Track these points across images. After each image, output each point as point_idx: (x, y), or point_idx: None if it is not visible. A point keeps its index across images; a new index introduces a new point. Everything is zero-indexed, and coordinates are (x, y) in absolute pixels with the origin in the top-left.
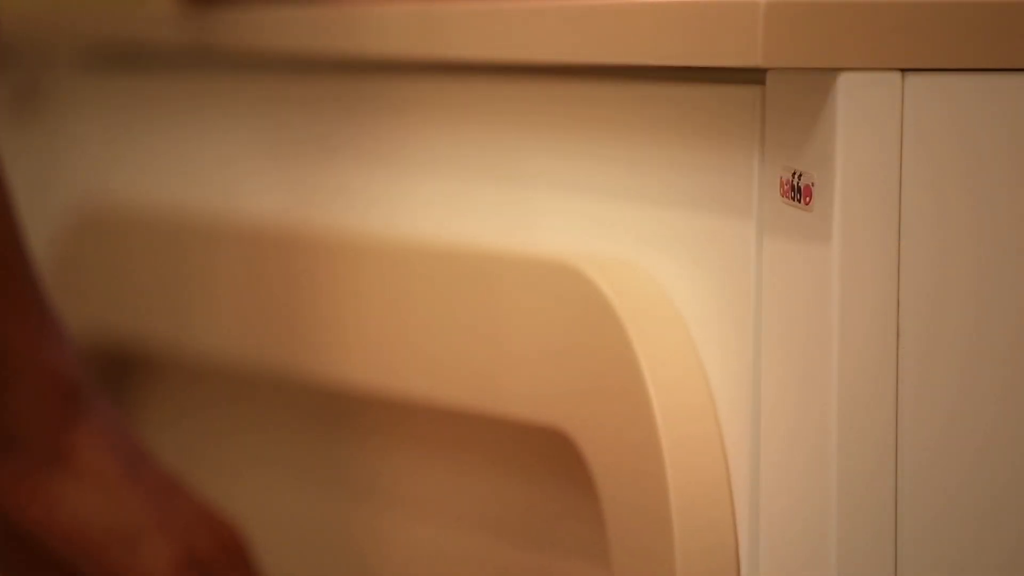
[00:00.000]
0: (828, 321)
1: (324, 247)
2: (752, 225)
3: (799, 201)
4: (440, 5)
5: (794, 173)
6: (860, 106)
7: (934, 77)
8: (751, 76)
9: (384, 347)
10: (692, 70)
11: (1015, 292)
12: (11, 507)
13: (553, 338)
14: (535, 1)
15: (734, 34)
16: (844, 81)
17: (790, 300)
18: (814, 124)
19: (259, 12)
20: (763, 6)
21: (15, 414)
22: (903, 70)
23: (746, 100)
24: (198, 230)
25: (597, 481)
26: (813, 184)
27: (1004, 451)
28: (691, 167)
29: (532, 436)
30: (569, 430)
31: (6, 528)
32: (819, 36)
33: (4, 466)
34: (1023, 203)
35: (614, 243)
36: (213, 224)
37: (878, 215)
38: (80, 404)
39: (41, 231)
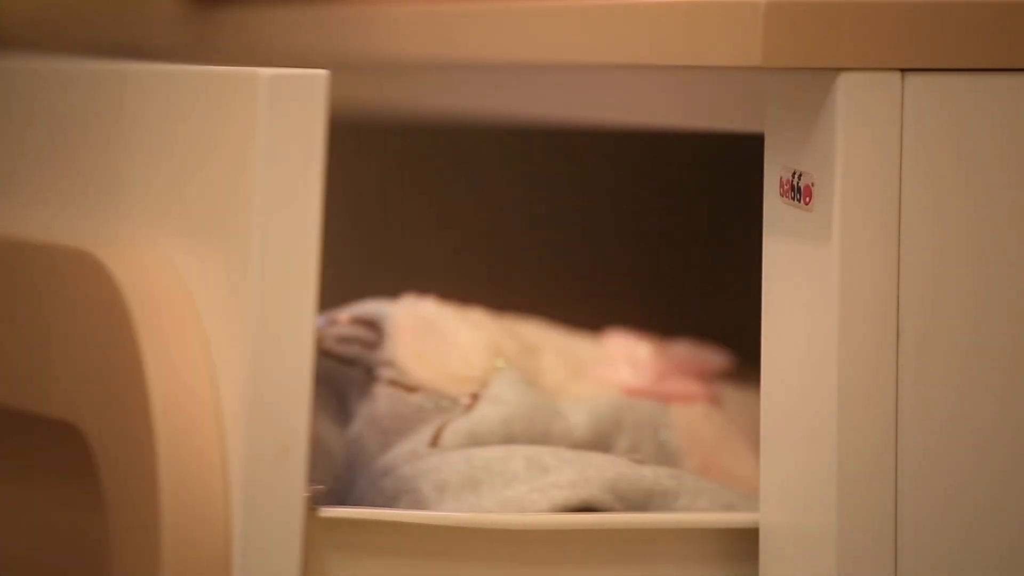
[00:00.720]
0: (828, 321)
1: None
2: (257, 214)
3: (799, 201)
4: (442, 5)
5: (794, 173)
6: (860, 106)
7: (934, 77)
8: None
9: None
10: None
11: (1015, 292)
12: None
13: (65, 327)
14: (535, 1)
15: (734, 34)
16: (844, 81)
17: (790, 300)
18: (814, 124)
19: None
20: (763, 6)
21: None
22: (903, 70)
23: (251, 85)
24: None
25: (102, 479)
26: (813, 184)
27: (1004, 451)
28: (207, 154)
29: (49, 432)
30: (80, 425)
31: None
32: (819, 36)
33: None
34: (1023, 203)
35: (136, 231)
36: None
37: (878, 215)
38: None
39: None
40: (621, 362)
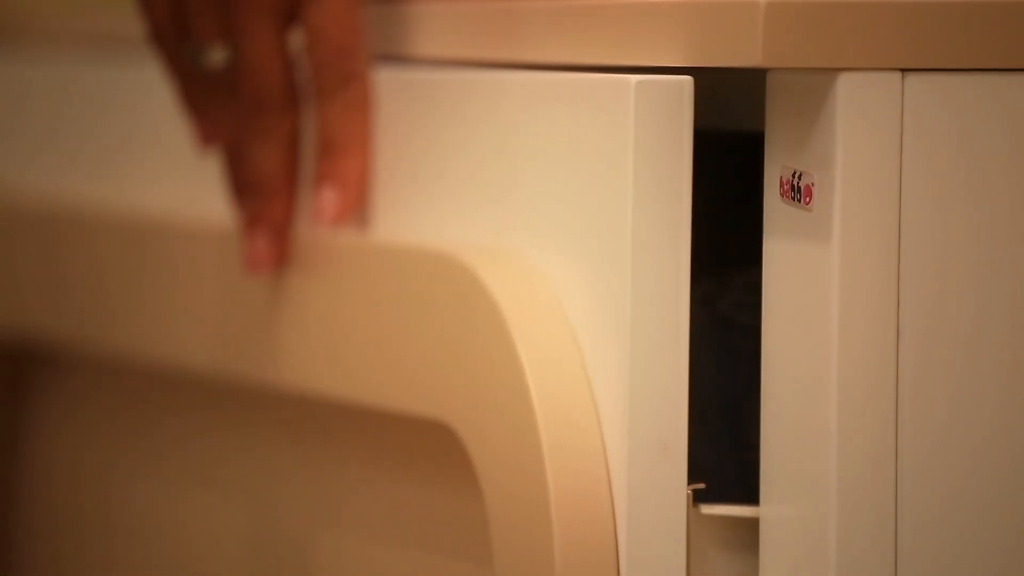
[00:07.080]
0: (828, 321)
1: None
2: (628, 217)
3: (799, 201)
4: (440, 6)
5: (794, 173)
6: (860, 106)
7: (934, 77)
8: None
9: (270, 340)
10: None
11: (1015, 292)
12: None
13: (435, 330)
14: (535, 1)
15: (734, 34)
16: (844, 81)
17: (790, 300)
18: (814, 124)
19: None
20: (763, 6)
21: None
22: (903, 70)
23: (620, 91)
24: (79, 221)
25: (480, 477)
26: (813, 184)
27: (1004, 450)
28: (572, 159)
29: (419, 431)
30: (453, 424)
31: None
32: (819, 36)
33: None
34: (1023, 203)
35: (498, 235)
36: (97, 215)
37: (878, 215)
38: None
39: None
40: None
